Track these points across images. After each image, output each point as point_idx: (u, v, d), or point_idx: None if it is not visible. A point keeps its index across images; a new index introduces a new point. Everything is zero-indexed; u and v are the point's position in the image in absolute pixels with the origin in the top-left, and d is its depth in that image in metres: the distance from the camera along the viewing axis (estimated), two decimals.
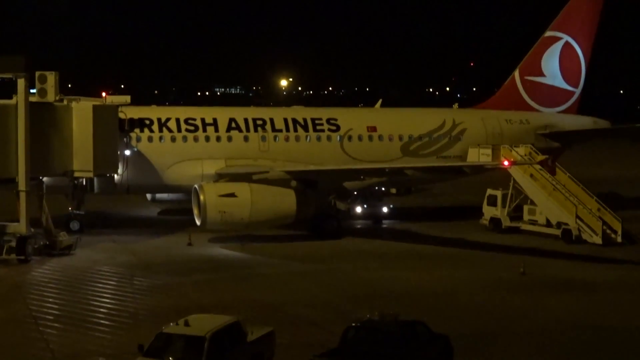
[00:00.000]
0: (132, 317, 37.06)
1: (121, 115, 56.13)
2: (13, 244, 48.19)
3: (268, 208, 53.32)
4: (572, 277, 45.58)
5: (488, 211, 59.64)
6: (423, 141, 62.97)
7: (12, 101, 50.37)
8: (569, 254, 51.70)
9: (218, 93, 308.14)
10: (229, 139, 59.11)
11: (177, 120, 58.82)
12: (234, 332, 28.53)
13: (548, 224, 56.65)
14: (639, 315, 38.45)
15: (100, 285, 43.24)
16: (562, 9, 68.40)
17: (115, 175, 56.26)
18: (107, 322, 36.32)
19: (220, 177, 56.35)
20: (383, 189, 64.32)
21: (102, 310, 38.26)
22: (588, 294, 42.02)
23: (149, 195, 63.86)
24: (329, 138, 61.10)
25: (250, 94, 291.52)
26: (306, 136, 60.75)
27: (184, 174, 57.41)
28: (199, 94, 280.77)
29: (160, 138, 58.12)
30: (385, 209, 62.82)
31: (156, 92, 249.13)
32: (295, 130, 60.59)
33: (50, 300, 40.07)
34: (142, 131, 57.83)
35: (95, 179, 55.96)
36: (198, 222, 53.48)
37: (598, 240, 54.00)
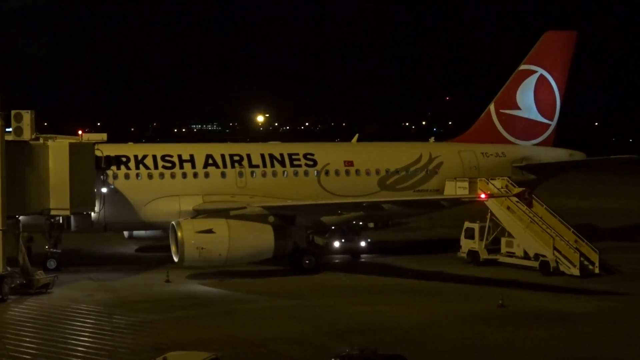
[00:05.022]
0: (111, 356, 36.78)
1: (98, 153, 56.05)
2: None
3: (246, 244, 53.34)
4: (550, 309, 45.67)
5: (466, 244, 59.75)
6: (400, 175, 63.03)
7: None
8: (547, 285, 51.80)
9: (195, 130, 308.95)
10: (206, 175, 59.09)
11: (154, 157, 58.79)
12: None
13: (526, 256, 56.79)
14: (618, 346, 38.51)
15: (78, 323, 42.93)
16: (536, 42, 68.87)
17: (92, 213, 56.07)
18: None
19: (197, 213, 56.28)
20: (361, 223, 64.30)
21: (80, 349, 37.97)
22: (567, 326, 42.07)
23: (126, 233, 63.53)
24: (306, 173, 61.11)
25: (227, 130, 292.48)
26: (283, 171, 60.73)
27: (161, 211, 57.32)
28: (175, 130, 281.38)
29: (137, 175, 58.04)
30: (363, 243, 62.64)
31: (132, 129, 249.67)
32: (273, 165, 60.59)
33: (28, 339, 39.69)
34: (118, 168, 57.77)
35: (72, 217, 55.73)
36: (176, 259, 53.40)
37: (576, 271, 54.14)
